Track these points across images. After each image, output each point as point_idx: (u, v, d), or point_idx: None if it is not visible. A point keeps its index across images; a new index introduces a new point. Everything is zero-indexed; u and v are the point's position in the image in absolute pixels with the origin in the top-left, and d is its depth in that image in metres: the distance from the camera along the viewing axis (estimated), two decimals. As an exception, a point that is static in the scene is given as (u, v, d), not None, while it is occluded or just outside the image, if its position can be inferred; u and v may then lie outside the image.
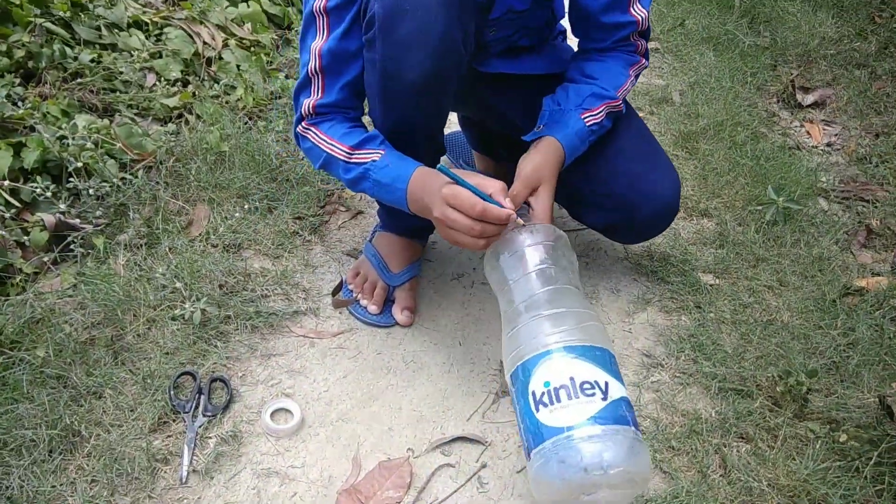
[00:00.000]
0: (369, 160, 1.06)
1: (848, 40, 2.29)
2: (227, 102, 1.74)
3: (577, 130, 1.10)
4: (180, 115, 1.70)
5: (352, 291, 1.27)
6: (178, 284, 1.20)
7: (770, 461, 0.99)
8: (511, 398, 0.91)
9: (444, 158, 1.65)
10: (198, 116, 1.65)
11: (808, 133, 1.98)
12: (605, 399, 0.81)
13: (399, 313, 1.23)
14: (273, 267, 1.31)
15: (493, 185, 0.94)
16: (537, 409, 0.83)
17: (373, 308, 1.23)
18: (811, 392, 1.07)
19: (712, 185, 1.56)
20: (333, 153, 1.09)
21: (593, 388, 0.81)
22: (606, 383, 0.82)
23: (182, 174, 1.47)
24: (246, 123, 1.65)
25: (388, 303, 1.25)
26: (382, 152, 1.06)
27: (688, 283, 1.31)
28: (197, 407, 1.05)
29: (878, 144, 1.86)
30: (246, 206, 1.40)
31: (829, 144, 1.93)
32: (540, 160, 1.06)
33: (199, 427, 1.03)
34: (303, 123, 1.13)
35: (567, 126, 1.10)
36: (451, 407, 1.11)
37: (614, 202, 1.18)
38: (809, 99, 2.10)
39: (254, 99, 1.74)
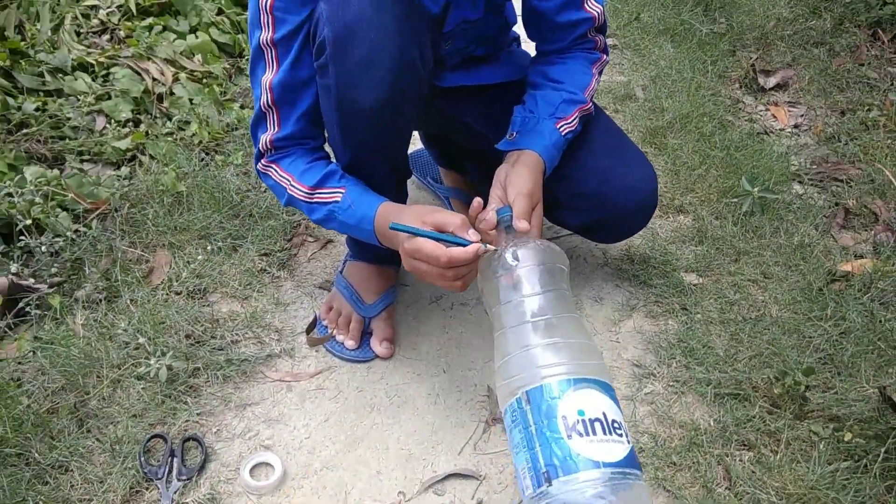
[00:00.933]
0: (332, 200, 1.01)
1: (803, 19, 2.27)
2: (181, 139, 1.66)
3: (555, 142, 1.06)
4: (133, 158, 1.62)
5: (326, 327, 1.20)
6: (141, 339, 1.13)
7: (775, 468, 0.95)
8: (511, 417, 0.84)
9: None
10: (151, 157, 1.58)
11: (773, 116, 1.95)
12: (629, 443, 0.77)
13: (378, 345, 1.17)
14: (242, 309, 1.24)
15: (452, 222, 0.88)
16: (569, 436, 0.77)
17: (350, 343, 1.17)
18: (809, 389, 1.03)
19: (685, 180, 1.51)
20: (294, 194, 1.03)
21: (621, 429, 0.77)
22: (626, 427, 0.79)
23: (139, 220, 1.39)
24: (203, 160, 1.58)
25: (365, 335, 1.19)
26: (343, 190, 1.00)
27: (671, 285, 1.26)
28: (170, 471, 0.98)
29: (844, 122, 1.83)
30: (209, 248, 1.33)
31: (796, 126, 1.90)
32: (530, 175, 1.01)
33: (175, 493, 0.96)
34: (262, 161, 1.07)
35: (543, 136, 1.06)
36: (441, 441, 1.04)
37: (589, 201, 1.13)
38: (772, 81, 2.07)
39: (209, 133, 1.67)
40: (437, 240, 0.86)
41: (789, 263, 1.31)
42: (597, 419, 0.77)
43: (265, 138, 1.05)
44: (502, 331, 0.89)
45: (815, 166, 1.68)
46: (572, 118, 1.08)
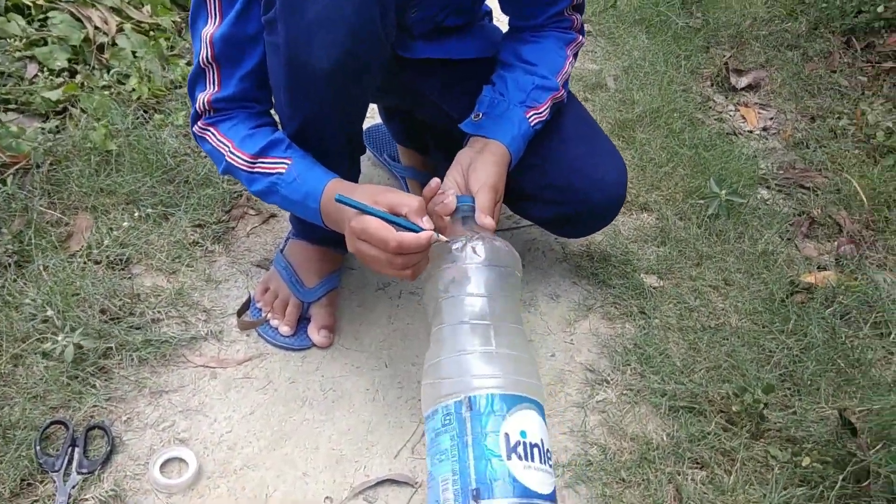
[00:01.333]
0: (275, 172, 0.91)
1: (779, 20, 2.22)
2: (118, 94, 1.52)
3: (524, 132, 0.99)
4: (64, 111, 1.48)
5: (260, 310, 1.10)
6: (49, 312, 1.01)
7: (728, 491, 0.89)
8: (444, 421, 0.75)
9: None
10: (83, 111, 1.44)
11: (743, 117, 1.90)
12: (554, 475, 0.71)
13: (315, 333, 1.07)
14: (167, 284, 1.12)
15: (407, 203, 0.79)
16: (509, 457, 0.70)
17: (284, 329, 1.07)
18: (767, 407, 0.97)
19: (651, 177, 1.45)
20: (234, 162, 0.92)
21: (551, 460, 0.72)
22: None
23: (61, 179, 1.26)
24: (139, 117, 1.45)
25: (302, 321, 1.09)
26: (289, 161, 0.90)
27: (630, 286, 1.19)
28: (70, 463, 0.87)
29: (814, 128, 1.79)
30: (136, 214, 1.21)
31: (765, 129, 1.86)
32: (496, 167, 0.94)
33: (73, 488, 0.85)
34: (200, 123, 0.96)
35: (512, 125, 0.98)
36: (377, 442, 0.96)
37: (558, 193, 1.06)
38: (743, 81, 2.02)
39: (150, 89, 1.53)
40: (389, 222, 0.77)
41: (751, 271, 1.25)
42: (535, 444, 0.71)
43: (203, 98, 0.94)
44: (440, 326, 0.81)
45: (781, 171, 1.64)
46: (543, 108, 1.00)
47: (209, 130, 0.95)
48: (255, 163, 0.92)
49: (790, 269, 1.28)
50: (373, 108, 1.50)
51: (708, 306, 1.17)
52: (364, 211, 0.78)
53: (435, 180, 0.88)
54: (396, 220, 0.78)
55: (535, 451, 0.70)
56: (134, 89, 1.52)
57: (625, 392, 1.02)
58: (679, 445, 0.94)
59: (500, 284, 0.81)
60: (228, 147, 0.93)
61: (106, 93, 1.50)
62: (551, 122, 1.05)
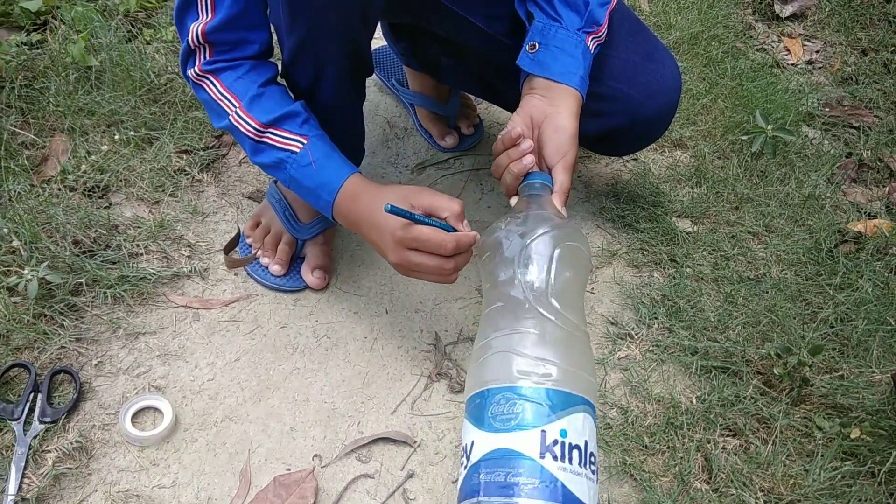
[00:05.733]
0: (287, 148, 0.79)
1: (830, -57, 2.00)
2: (105, 6, 1.38)
3: (588, 67, 0.86)
4: (45, 24, 1.34)
5: (250, 247, 0.99)
6: (15, 243, 0.90)
7: (765, 462, 0.78)
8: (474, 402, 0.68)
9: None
10: (63, 22, 1.30)
11: (786, 49, 1.71)
12: (597, 481, 0.64)
13: (309, 274, 0.96)
14: (149, 216, 1.01)
15: (448, 208, 0.73)
16: (542, 455, 0.62)
17: (276, 268, 0.96)
18: (811, 369, 0.86)
19: (687, 110, 1.29)
20: (239, 126, 0.81)
21: (595, 463, 0.64)
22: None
23: (36, 97, 1.13)
24: (128, 32, 1.30)
25: (296, 261, 0.98)
26: (305, 140, 0.79)
27: (660, 231, 1.06)
28: (31, 411, 0.78)
29: (865, 63, 1.61)
30: (116, 137, 1.08)
31: (810, 62, 1.68)
32: (574, 131, 0.83)
33: (34, 438, 0.76)
34: (196, 68, 0.82)
35: (577, 61, 0.85)
36: (373, 396, 0.86)
37: (608, 104, 0.93)
38: (788, 10, 1.82)
39: (138, 1, 1.38)
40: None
41: (796, 217, 1.12)
42: (576, 446, 0.64)
43: (196, 28, 0.80)
44: (493, 307, 0.72)
45: (828, 109, 1.47)
46: (604, 30, 0.87)
47: (207, 79, 0.82)
48: (264, 133, 0.80)
49: (837, 216, 1.14)
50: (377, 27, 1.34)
51: (746, 255, 1.04)
52: (412, 219, 0.71)
53: (516, 131, 0.80)
54: (441, 225, 0.72)
55: (574, 452, 0.63)
56: (121, 1, 1.38)
57: (651, 349, 0.91)
58: (710, 410, 0.83)
59: (568, 267, 0.72)
60: (235, 106, 0.81)
61: (91, 4, 1.36)
62: None
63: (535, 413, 0.63)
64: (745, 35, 1.68)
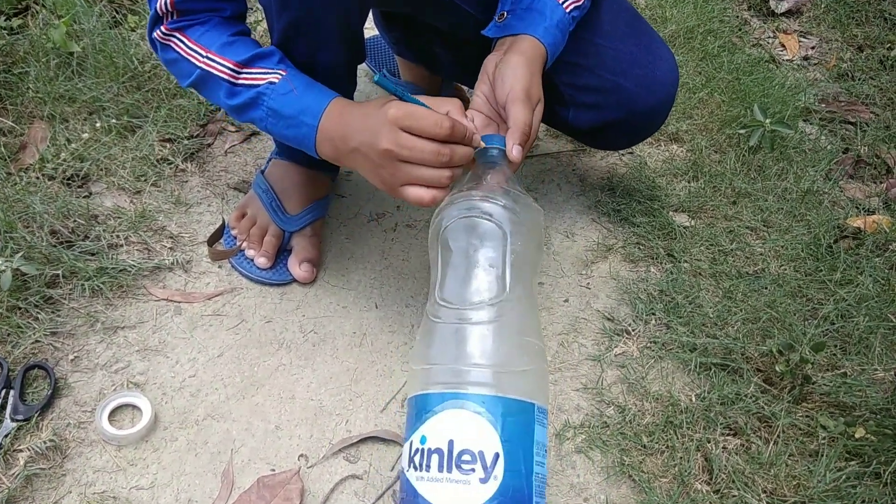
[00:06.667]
0: (264, 81, 0.74)
1: (824, -60, 1.98)
2: (89, -9, 1.33)
3: (558, 21, 0.81)
4: (27, 8, 1.29)
5: (235, 239, 0.95)
6: (-11, 233, 0.86)
7: (767, 462, 0.75)
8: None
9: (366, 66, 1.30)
10: (44, 7, 1.25)
11: (782, 45, 1.69)
12: (484, 481, 0.57)
13: (296, 267, 0.92)
14: (130, 206, 0.97)
15: (449, 104, 0.68)
16: (407, 467, 0.62)
17: (261, 261, 0.92)
18: (812, 366, 0.83)
19: (684, 104, 1.26)
20: (213, 69, 0.76)
21: (473, 461, 0.58)
22: (497, 455, 0.58)
23: (15, 83, 1.09)
24: (113, 18, 1.26)
25: (282, 253, 0.94)
26: (283, 73, 0.74)
27: (657, 225, 1.03)
28: (2, 408, 0.74)
29: (861, 59, 1.59)
30: (98, 124, 1.04)
31: (805, 58, 1.65)
32: (526, 66, 0.75)
33: (5, 437, 0.72)
34: (162, 27, 0.78)
35: (543, 16, 0.80)
36: (362, 393, 0.82)
37: (603, 96, 0.90)
38: (783, 6, 1.80)
39: (123, -13, 1.33)
40: None
41: (794, 212, 1.09)
42: (436, 450, 0.60)
43: None
44: (432, 293, 0.68)
45: (824, 105, 1.45)
46: None
47: (174, 37, 0.78)
48: (240, 72, 0.76)
49: (835, 211, 1.12)
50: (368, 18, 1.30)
51: (745, 250, 1.01)
52: (405, 99, 0.66)
53: (467, 115, 0.73)
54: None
55: (434, 457, 0.60)
56: (105, -14, 1.33)
57: (648, 345, 0.88)
58: (710, 408, 0.80)
59: (515, 249, 0.67)
60: (202, 54, 0.77)
61: (74, -11, 1.31)
62: (594, 13, 0.87)
63: (408, 424, 0.65)
64: (740, 30, 1.65)
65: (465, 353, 0.62)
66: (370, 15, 1.25)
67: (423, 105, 0.66)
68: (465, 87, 1.23)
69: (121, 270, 0.88)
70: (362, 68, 1.28)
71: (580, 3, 0.83)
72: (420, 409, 0.62)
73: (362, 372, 0.84)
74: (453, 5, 0.93)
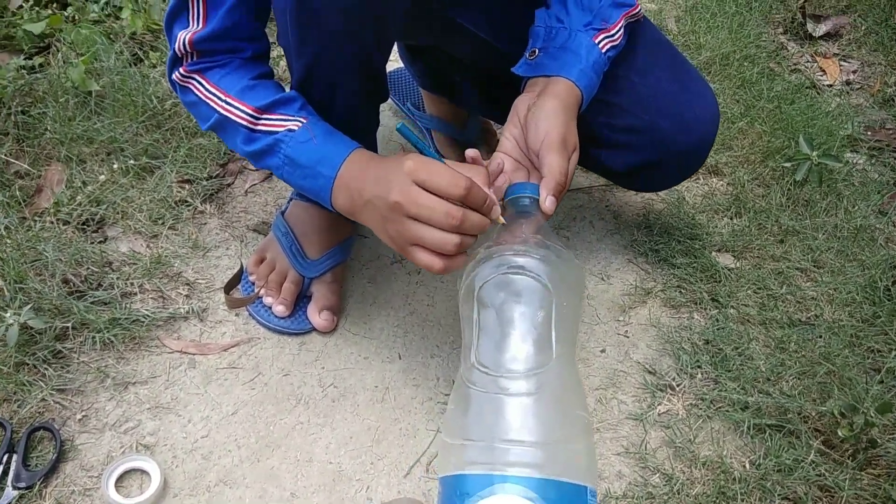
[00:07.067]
0: (283, 129, 0.70)
1: (863, -40, 1.90)
2: (110, 28, 1.31)
3: (594, 63, 0.75)
4: (48, 47, 1.28)
5: (253, 285, 0.90)
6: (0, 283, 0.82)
7: (833, 541, 0.67)
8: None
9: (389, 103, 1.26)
10: (67, 46, 1.23)
11: (821, 69, 1.61)
12: None
13: (316, 315, 0.87)
14: (146, 250, 0.93)
15: (474, 171, 0.64)
16: None
17: (279, 308, 0.87)
18: (879, 429, 0.75)
19: (723, 134, 1.20)
20: (231, 115, 0.72)
21: None
22: None
23: (33, 124, 1.06)
24: (134, 55, 1.24)
25: (302, 300, 0.89)
26: (304, 120, 0.70)
27: (699, 267, 0.96)
28: (4, 474, 0.69)
29: (907, 83, 1.51)
30: (115, 166, 1.01)
31: (847, 83, 1.57)
32: (561, 111, 0.70)
33: (5, 506, 0.67)
34: (181, 69, 0.75)
35: (579, 57, 0.75)
36: (384, 455, 0.76)
37: (639, 137, 0.84)
38: (822, 29, 1.72)
39: (144, 22, 1.31)
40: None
41: (846, 251, 1.01)
42: None
43: (184, 37, 0.73)
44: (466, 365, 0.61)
45: (870, 133, 1.37)
46: (616, 28, 0.77)
47: (193, 79, 0.75)
48: (259, 118, 0.72)
49: (889, 249, 1.03)
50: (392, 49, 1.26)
51: (795, 294, 0.93)
52: (425, 152, 0.62)
53: (473, 151, 0.69)
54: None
55: None
56: (128, 23, 1.31)
57: (695, 403, 0.80)
58: (766, 477, 0.72)
59: (560, 308, 0.61)
60: (221, 98, 0.73)
61: (95, 27, 1.29)
62: (630, 50, 0.81)
63: None
64: (777, 55, 1.58)
65: (509, 428, 0.55)
66: (395, 47, 1.21)
67: (443, 160, 0.61)
68: (491, 122, 1.18)
69: (134, 321, 0.84)
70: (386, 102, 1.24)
71: (616, 42, 0.77)
72: (458, 491, 0.55)
73: (384, 431, 0.78)
74: (478, 38, 0.88)
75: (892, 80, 1.53)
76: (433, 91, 1.15)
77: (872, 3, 1.75)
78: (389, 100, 1.25)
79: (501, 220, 0.65)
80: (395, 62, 1.30)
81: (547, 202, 0.65)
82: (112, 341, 0.81)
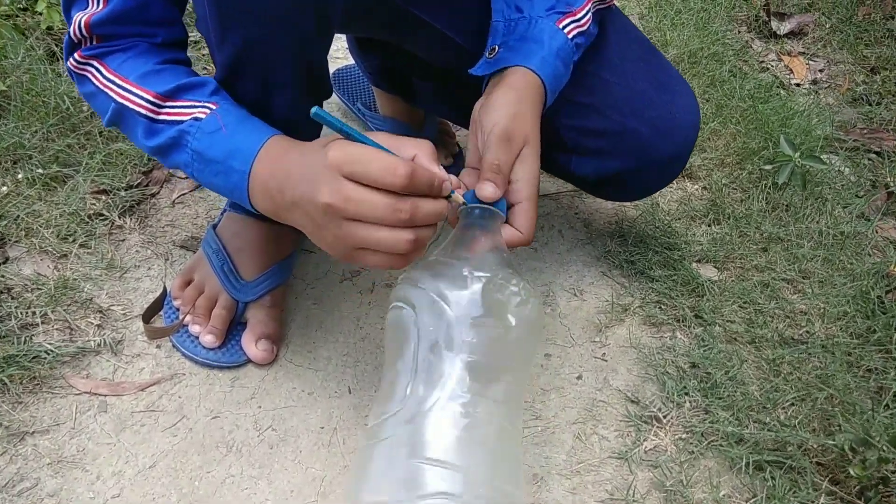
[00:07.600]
0: (189, 117, 0.58)
1: (824, -42, 1.86)
2: (24, 23, 1.17)
3: (558, 49, 0.65)
4: (-48, 42, 1.12)
5: (178, 311, 0.77)
6: None
7: None
8: None
9: (331, 102, 1.15)
10: (-31, 40, 1.08)
11: (788, 68, 1.56)
12: None
13: (252, 345, 0.75)
14: (53, 272, 0.79)
15: (414, 146, 0.51)
16: None
17: (209, 338, 0.74)
18: (890, 464, 0.66)
19: (696, 136, 1.11)
20: (129, 103, 0.59)
21: None
22: None
23: (-77, 127, 0.91)
24: (49, 52, 1.09)
25: (235, 328, 0.77)
26: (213, 106, 0.58)
27: (679, 280, 0.87)
28: None
29: (876, 82, 1.45)
30: (20, 175, 0.87)
31: (814, 82, 1.52)
32: (518, 105, 0.60)
33: None
34: (77, 55, 0.62)
35: (541, 44, 0.64)
36: (331, 510, 0.64)
37: (612, 142, 0.75)
38: (786, 27, 1.67)
39: (62, 17, 1.17)
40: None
41: (833, 259, 0.93)
42: None
43: (80, 19, 0.61)
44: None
45: (842, 132, 1.31)
46: (583, 12, 0.67)
47: (91, 66, 0.63)
48: (162, 106, 0.59)
49: (877, 255, 0.96)
50: (343, 46, 1.16)
51: (784, 308, 0.85)
52: (352, 137, 0.49)
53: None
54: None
55: None
56: (42, 16, 1.16)
57: (684, 436, 0.71)
58: (768, 522, 0.63)
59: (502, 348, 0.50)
60: (119, 84, 0.60)
61: (7, 22, 1.15)
62: (603, 47, 0.72)
63: None
64: (744, 53, 1.51)
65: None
66: (344, 41, 1.10)
67: (377, 146, 0.49)
68: (449, 123, 1.07)
69: (34, 357, 0.70)
70: (334, 101, 1.13)
71: (584, 27, 0.67)
72: None
73: (331, 482, 0.66)
74: (440, 34, 0.77)
75: (861, 79, 1.48)
76: (387, 90, 1.03)
77: (836, 1, 1.71)
78: (338, 100, 1.14)
79: (460, 198, 0.54)
80: (344, 59, 1.19)
81: (486, 188, 0.55)
82: (6, 383, 0.68)
